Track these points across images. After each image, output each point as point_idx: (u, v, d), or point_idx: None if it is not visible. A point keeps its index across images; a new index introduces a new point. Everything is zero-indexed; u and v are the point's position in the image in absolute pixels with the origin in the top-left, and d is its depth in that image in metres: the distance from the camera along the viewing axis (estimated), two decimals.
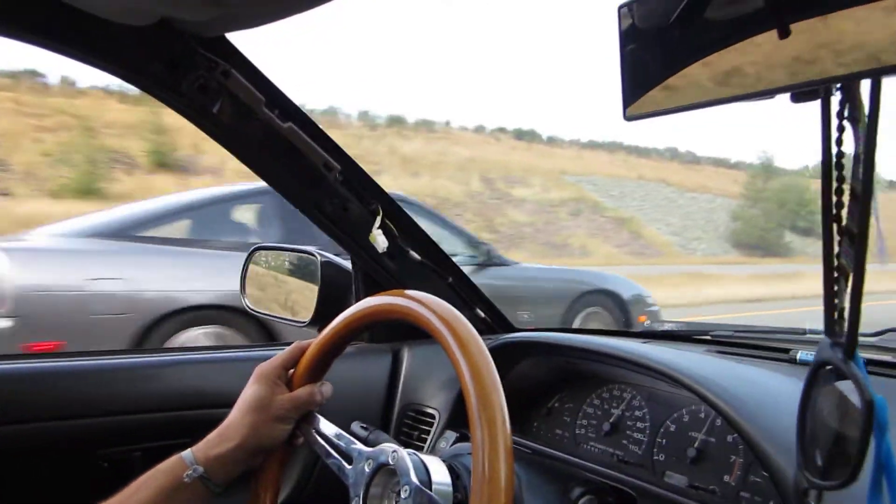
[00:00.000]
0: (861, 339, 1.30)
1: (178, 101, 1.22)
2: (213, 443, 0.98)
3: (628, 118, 0.59)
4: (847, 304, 0.49)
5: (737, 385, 1.00)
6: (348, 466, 0.95)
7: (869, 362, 1.18)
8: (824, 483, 0.51)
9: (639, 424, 1.24)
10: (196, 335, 4.15)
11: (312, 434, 1.04)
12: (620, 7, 0.59)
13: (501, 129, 44.06)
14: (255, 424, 0.99)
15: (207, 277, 4.24)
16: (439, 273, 1.56)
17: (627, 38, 0.58)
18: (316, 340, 1.07)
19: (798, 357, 1.26)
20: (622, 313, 6.27)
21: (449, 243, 5.33)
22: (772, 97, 0.47)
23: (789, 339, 1.36)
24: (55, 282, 3.92)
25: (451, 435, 1.35)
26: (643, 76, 0.57)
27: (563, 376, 1.42)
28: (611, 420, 1.28)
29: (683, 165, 47.36)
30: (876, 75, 0.41)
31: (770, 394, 1.05)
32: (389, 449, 0.90)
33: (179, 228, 4.64)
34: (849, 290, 0.48)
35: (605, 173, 39.30)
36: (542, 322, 5.54)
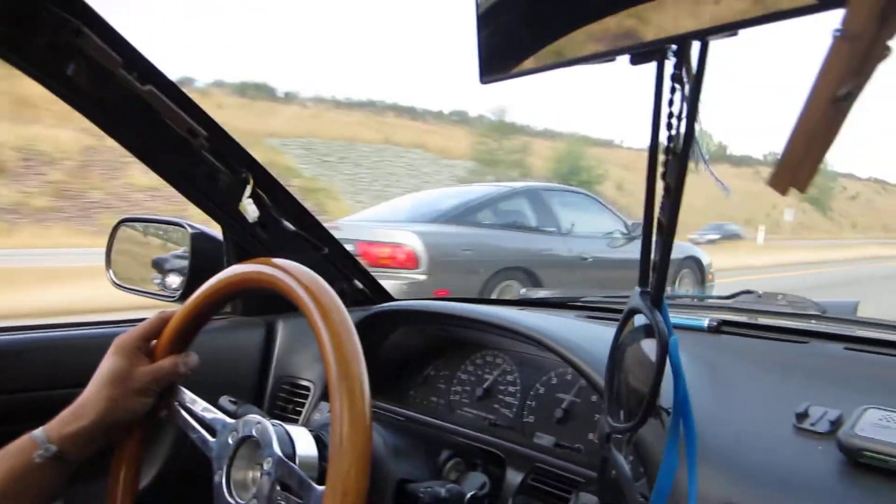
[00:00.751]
0: (717, 300, 1.38)
1: (28, 62, 1.14)
2: (67, 419, 0.93)
3: (484, 82, 0.59)
4: (658, 257, 0.51)
5: (597, 346, 1.03)
6: (212, 439, 0.93)
7: (723, 322, 1.25)
8: (619, 426, 0.53)
9: (510, 388, 1.27)
10: (508, 283, 6.00)
11: (176, 407, 1.00)
12: None
13: (218, 83, 38.95)
14: (112, 398, 0.94)
15: (510, 249, 6.15)
16: (314, 244, 1.53)
17: (482, 2, 0.58)
18: (179, 310, 1.03)
19: None
20: (700, 274, 8.04)
21: (612, 222, 7.14)
22: (613, 59, 0.48)
23: None
24: (442, 252, 5.67)
25: (326, 406, 1.34)
26: (498, 40, 0.57)
27: (438, 344, 1.43)
28: (484, 385, 1.30)
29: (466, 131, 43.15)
30: (705, 36, 0.43)
31: None
32: (254, 420, 0.88)
33: (485, 216, 6.34)
34: (661, 243, 0.50)
35: (338, 136, 34.89)
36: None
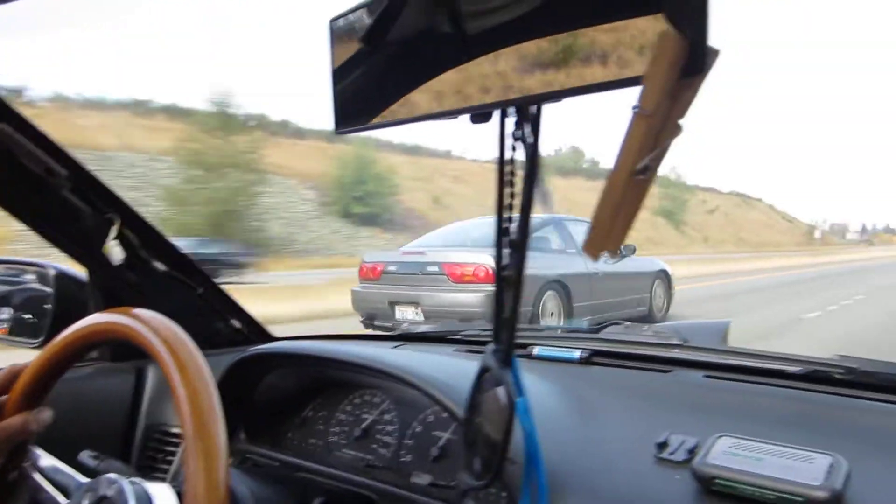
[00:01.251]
0: (587, 332, 1.42)
1: None
2: None
3: (339, 132, 0.59)
4: (508, 312, 0.52)
5: (464, 382, 1.05)
6: (64, 502, 0.88)
7: (594, 353, 1.30)
8: (473, 483, 0.54)
9: (388, 428, 1.27)
10: (549, 293, 7.44)
11: (26, 469, 0.94)
12: (331, 21, 0.60)
13: None
14: None
15: (548, 267, 7.49)
16: (187, 284, 1.48)
17: (337, 52, 0.58)
18: (32, 362, 0.97)
19: (535, 352, 1.35)
20: (668, 283, 9.79)
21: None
22: (456, 117, 0.49)
23: (528, 336, 1.45)
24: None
25: None
26: (352, 91, 0.58)
27: (317, 385, 1.41)
28: (362, 426, 1.29)
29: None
30: (540, 102, 0.45)
31: None
32: (110, 479, 0.84)
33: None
34: (510, 298, 0.51)
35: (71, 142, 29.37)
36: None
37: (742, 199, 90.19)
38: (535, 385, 1.20)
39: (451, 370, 1.14)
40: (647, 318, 8.95)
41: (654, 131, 0.37)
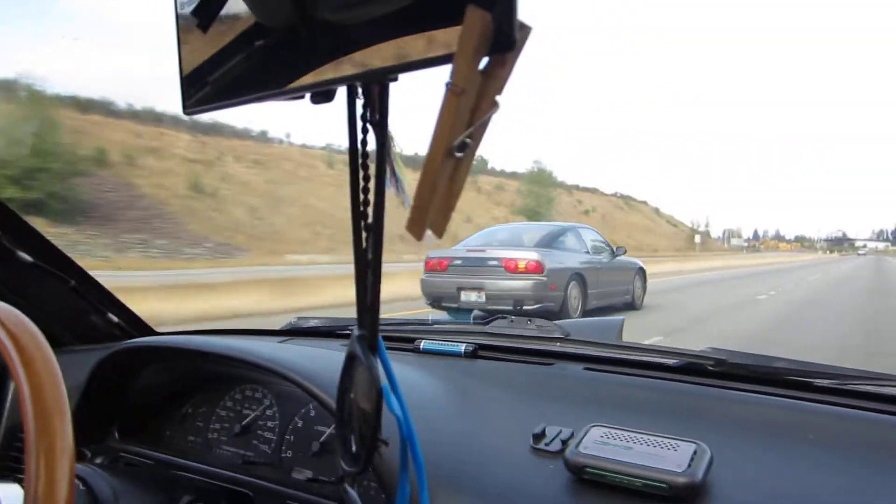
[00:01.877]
0: (474, 326, 1.43)
1: None
2: None
3: (188, 112, 0.56)
4: (371, 297, 0.51)
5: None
6: None
7: (479, 347, 1.30)
8: (349, 469, 0.52)
9: (269, 423, 1.24)
10: (573, 283, 9.43)
11: None
12: None
13: None
14: None
15: (571, 262, 9.59)
16: (58, 276, 1.40)
17: (183, 30, 0.56)
18: None
19: (422, 346, 1.35)
20: (644, 280, 11.85)
21: (604, 244, 11.37)
22: (299, 96, 0.47)
23: (416, 330, 1.45)
24: (549, 262, 8.98)
25: None
26: (198, 70, 0.55)
27: (197, 380, 1.36)
28: (243, 422, 1.25)
29: None
30: (381, 78, 0.44)
31: None
32: None
33: (557, 243, 10.05)
34: (372, 282, 0.50)
35: None
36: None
37: (625, 202, 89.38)
38: (420, 379, 1.19)
39: (333, 364, 1.12)
40: (631, 305, 11.13)
41: (468, 108, 0.36)
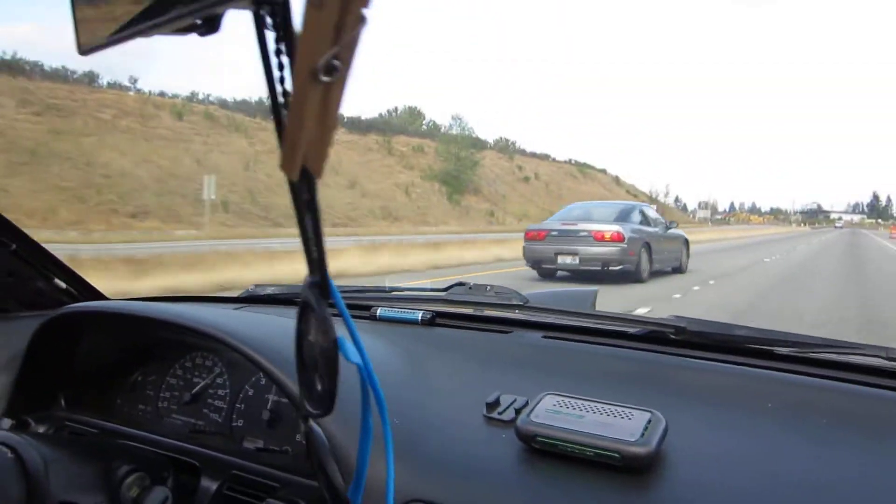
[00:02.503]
0: (432, 293, 1.39)
1: None
2: None
3: (83, 53, 0.51)
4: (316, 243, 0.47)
5: (286, 342, 1.00)
6: None
7: (437, 315, 1.27)
8: (313, 412, 0.50)
9: (220, 392, 1.20)
10: (643, 251, 11.65)
11: None
12: None
13: None
14: None
15: (640, 234, 11.82)
16: None
17: None
18: None
19: (378, 314, 1.31)
20: (688, 249, 13.95)
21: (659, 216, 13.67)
22: (183, 22, 0.43)
23: (373, 297, 1.41)
24: (628, 234, 11.41)
25: (6, 422, 1.19)
26: (91, 9, 0.51)
27: (148, 348, 1.32)
28: (192, 390, 1.21)
29: None
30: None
31: None
32: None
33: (629, 217, 12.34)
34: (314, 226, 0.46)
35: None
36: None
37: (580, 169, 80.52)
38: (375, 346, 1.16)
39: (281, 331, 1.08)
40: (679, 269, 13.36)
41: (330, 23, 0.32)
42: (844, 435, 0.84)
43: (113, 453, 0.98)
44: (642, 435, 0.78)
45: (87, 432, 1.21)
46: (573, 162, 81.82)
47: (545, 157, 76.75)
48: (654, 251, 12.04)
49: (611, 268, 11.23)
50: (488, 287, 1.30)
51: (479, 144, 59.63)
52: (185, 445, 1.07)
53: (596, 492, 0.76)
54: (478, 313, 1.30)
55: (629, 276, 11.27)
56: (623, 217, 12.23)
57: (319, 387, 0.53)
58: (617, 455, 0.77)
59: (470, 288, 1.32)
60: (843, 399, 0.91)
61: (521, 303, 1.23)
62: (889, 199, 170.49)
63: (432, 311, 1.27)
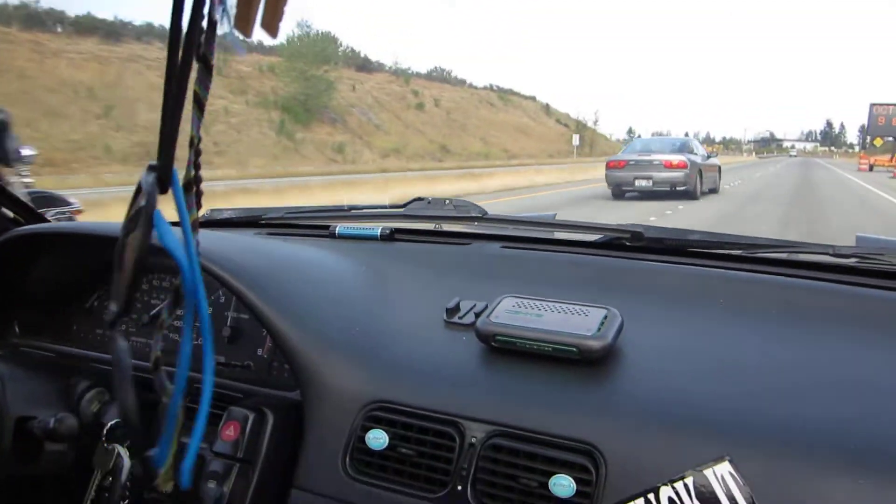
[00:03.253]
0: (391, 209, 1.38)
1: None
2: None
3: None
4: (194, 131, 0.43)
5: (252, 260, 0.99)
6: None
7: (396, 231, 1.27)
8: (112, 311, 0.45)
9: (179, 312, 1.19)
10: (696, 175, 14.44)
11: None
12: None
13: None
14: None
15: (695, 163, 14.47)
16: None
17: None
18: None
19: (337, 231, 1.30)
20: (720, 173, 17.18)
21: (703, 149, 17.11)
22: None
23: (333, 216, 1.40)
24: (689, 162, 14.01)
25: None
26: None
27: (102, 271, 1.29)
28: (151, 312, 1.20)
29: None
30: None
31: (289, 266, 1.06)
32: None
33: (686, 148, 15.61)
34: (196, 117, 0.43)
35: None
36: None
37: (500, 96, 70.56)
38: (334, 261, 1.16)
39: (239, 248, 1.08)
40: (714, 189, 15.91)
41: None
42: (790, 325, 0.87)
43: (71, 371, 0.97)
44: (598, 329, 0.80)
45: (43, 357, 1.20)
46: (494, 88, 72.92)
47: (461, 82, 67.36)
48: (704, 177, 14.79)
49: (677, 188, 13.81)
50: (447, 201, 1.30)
51: (366, 65, 51.96)
52: (144, 363, 1.06)
53: (555, 384, 0.78)
54: (437, 228, 1.30)
55: (689, 195, 13.81)
56: (683, 149, 15.02)
57: (123, 287, 0.47)
58: (574, 349, 0.79)
59: (429, 203, 1.31)
60: (791, 293, 0.93)
61: (479, 215, 1.23)
62: (843, 126, 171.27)
63: (391, 226, 1.27)
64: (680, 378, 0.78)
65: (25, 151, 4.76)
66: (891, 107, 31.89)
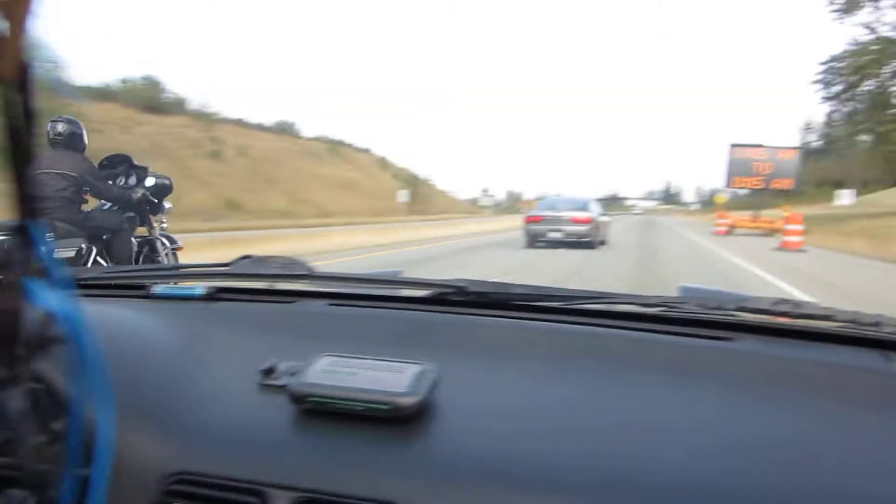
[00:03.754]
0: (217, 268, 1.33)
1: None
2: None
3: None
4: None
5: None
6: None
7: (219, 290, 1.22)
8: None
9: None
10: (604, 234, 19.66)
11: None
12: None
13: None
14: None
15: (600, 220, 19.14)
16: None
17: None
18: None
19: (154, 291, 1.24)
20: (608, 227, 21.69)
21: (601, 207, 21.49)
22: None
23: (152, 275, 1.34)
24: (593, 217, 18.13)
25: None
26: None
27: None
28: None
29: None
30: None
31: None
32: None
33: (590, 207, 19.09)
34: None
35: None
36: None
37: (331, 148, 66.11)
38: (147, 324, 1.09)
39: None
40: (603, 242, 18.69)
41: None
42: (604, 372, 0.90)
43: None
44: (411, 386, 0.79)
45: None
46: (324, 139, 68.21)
47: (285, 129, 62.38)
48: (600, 230, 18.28)
49: (582, 239, 16.92)
50: (275, 258, 1.27)
51: (157, 106, 46.73)
52: None
53: (366, 444, 0.76)
54: (263, 286, 1.26)
55: (590, 245, 17.02)
56: (585, 206, 18.27)
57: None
58: (386, 406, 0.77)
59: (254, 260, 1.27)
60: (603, 341, 0.97)
61: (306, 272, 1.21)
62: (680, 188, 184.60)
63: (215, 285, 1.22)
64: (495, 433, 0.78)
65: (167, 205, 6.99)
66: (749, 148, 29.65)
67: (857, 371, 0.92)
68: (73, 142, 5.84)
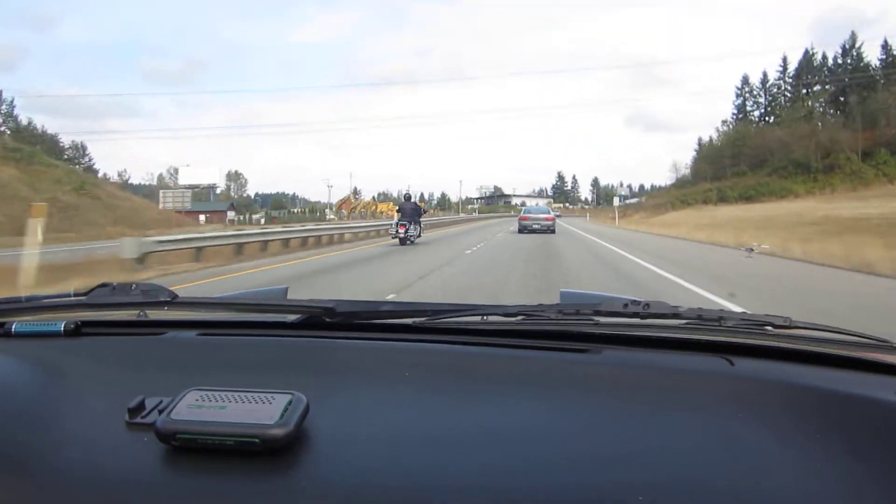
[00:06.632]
0: (77, 299, 1.28)
1: None
2: None
3: None
4: None
5: None
6: None
7: (82, 324, 1.19)
8: None
9: None
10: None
11: None
12: None
13: None
14: None
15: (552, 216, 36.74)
16: None
17: None
18: None
19: (13, 329, 1.19)
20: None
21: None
22: None
23: (6, 309, 1.27)
24: (554, 217, 38.36)
25: None
26: None
27: None
28: None
29: None
30: None
31: None
32: None
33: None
34: None
35: None
36: None
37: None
38: (11, 366, 1.05)
39: None
40: (552, 230, 32.06)
41: None
42: (467, 391, 0.95)
43: None
44: (281, 416, 0.80)
45: None
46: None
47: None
48: (555, 222, 31.16)
49: (549, 229, 30.29)
50: (133, 286, 1.24)
51: None
52: None
53: (236, 480, 0.77)
54: (129, 317, 1.23)
55: (551, 231, 30.42)
56: (547, 211, 35.00)
57: None
58: (256, 440, 0.78)
59: (113, 289, 1.24)
60: (465, 361, 1.02)
61: (169, 299, 1.19)
62: (575, 180, 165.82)
63: (77, 318, 1.18)
64: (365, 461, 0.80)
65: None
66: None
67: (701, 376, 1.00)
68: None
